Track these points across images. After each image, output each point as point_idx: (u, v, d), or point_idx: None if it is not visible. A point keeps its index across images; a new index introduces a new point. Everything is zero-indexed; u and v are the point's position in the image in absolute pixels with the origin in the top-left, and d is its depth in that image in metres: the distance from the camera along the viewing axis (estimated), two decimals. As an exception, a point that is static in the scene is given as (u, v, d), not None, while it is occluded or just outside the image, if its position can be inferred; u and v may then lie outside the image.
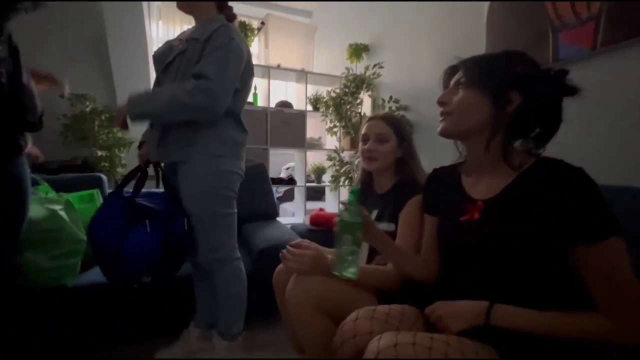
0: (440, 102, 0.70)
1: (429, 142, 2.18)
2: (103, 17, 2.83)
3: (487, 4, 1.66)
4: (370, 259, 1.01)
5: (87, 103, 2.81)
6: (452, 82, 0.71)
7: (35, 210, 1.06)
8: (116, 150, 2.90)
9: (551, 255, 0.57)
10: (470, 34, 1.79)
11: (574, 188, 0.53)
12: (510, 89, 0.62)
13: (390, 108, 2.31)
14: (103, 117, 2.89)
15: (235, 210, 1.15)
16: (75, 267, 1.18)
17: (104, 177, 1.76)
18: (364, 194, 1.10)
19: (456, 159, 0.79)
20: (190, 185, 1.07)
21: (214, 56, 1.00)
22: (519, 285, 0.59)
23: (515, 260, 0.59)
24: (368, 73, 2.50)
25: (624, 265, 0.52)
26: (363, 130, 1.07)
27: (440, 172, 0.84)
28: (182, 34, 1.19)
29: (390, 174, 1.04)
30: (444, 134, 0.71)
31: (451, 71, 0.74)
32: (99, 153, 2.76)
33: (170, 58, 1.09)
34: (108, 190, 1.78)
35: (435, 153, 2.14)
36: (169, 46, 1.15)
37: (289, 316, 0.89)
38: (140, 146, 1.25)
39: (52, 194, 1.24)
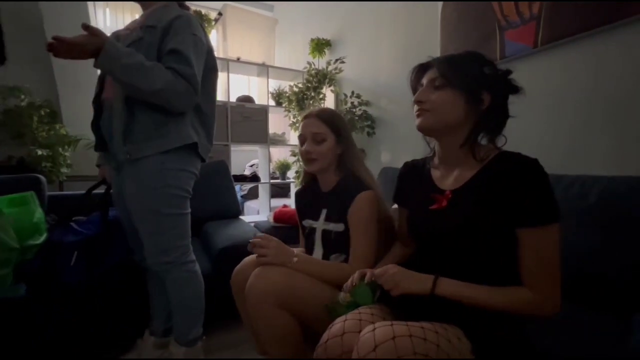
0: (418, 101, 0.72)
1: (390, 137, 2.23)
2: (38, 4, 2.55)
3: (440, 4, 1.72)
4: (325, 258, 1.00)
5: (23, 97, 2.53)
6: (425, 81, 0.73)
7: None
8: (59, 149, 2.65)
9: (505, 237, 0.63)
10: (426, 32, 1.85)
11: (527, 177, 0.60)
12: (482, 89, 0.68)
13: (352, 103, 2.33)
14: (42, 112, 2.62)
15: (188, 211, 1.07)
16: (5, 279, 1.05)
17: (42, 178, 1.59)
18: (310, 193, 1.09)
19: (427, 154, 0.84)
20: (137, 183, 0.98)
21: (182, 46, 0.94)
22: (477, 263, 0.65)
23: (476, 241, 0.64)
24: (330, 68, 2.49)
25: (556, 248, 0.60)
26: (300, 131, 1.03)
27: (411, 165, 0.88)
28: (131, 23, 1.10)
29: (332, 172, 1.03)
30: (422, 129, 0.73)
31: (420, 69, 0.77)
32: (39, 152, 2.50)
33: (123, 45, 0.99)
34: (48, 193, 1.61)
35: (395, 147, 2.19)
36: (115, 37, 1.05)
37: (249, 314, 0.87)
38: (98, 165, 1.22)
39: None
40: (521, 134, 1.25)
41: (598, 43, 1.16)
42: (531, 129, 1.35)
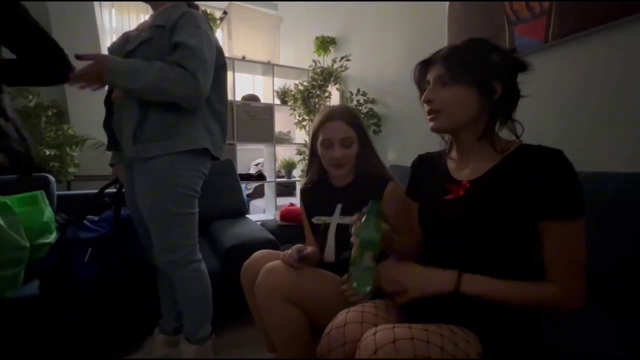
0: (427, 101, 0.69)
1: (396, 135, 2.21)
2: (46, 5, 2.56)
3: (448, -3, 1.70)
4: (338, 253, 0.99)
5: (31, 97, 2.56)
6: (431, 78, 0.70)
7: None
8: (67, 149, 2.68)
9: (526, 228, 0.61)
10: (433, 28, 1.83)
11: (554, 169, 0.58)
12: (492, 79, 0.65)
13: (358, 101, 2.31)
14: (50, 113, 2.65)
15: (196, 210, 1.07)
16: (17, 278, 1.06)
17: (51, 177, 1.60)
18: (320, 190, 1.07)
19: (440, 144, 0.82)
20: (147, 182, 0.99)
21: (183, 37, 0.94)
22: (494, 256, 0.63)
23: (493, 232, 0.62)
24: (335, 66, 2.48)
25: (581, 242, 0.58)
26: (324, 134, 0.97)
27: (425, 158, 0.86)
28: (141, 24, 1.11)
29: (350, 169, 1.01)
30: (437, 131, 0.71)
31: (423, 67, 0.74)
32: (47, 152, 2.52)
33: (131, 46, 1.00)
34: (57, 192, 1.63)
35: (402, 145, 2.18)
36: (126, 37, 1.06)
37: (259, 309, 0.87)
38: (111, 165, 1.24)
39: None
40: (534, 129, 1.23)
41: (610, 38, 1.13)
42: (543, 124, 1.32)
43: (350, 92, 2.37)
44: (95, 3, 2.78)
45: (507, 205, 0.61)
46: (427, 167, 0.83)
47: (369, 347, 0.54)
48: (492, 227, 0.62)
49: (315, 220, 1.05)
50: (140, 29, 1.06)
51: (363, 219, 0.68)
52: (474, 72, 0.65)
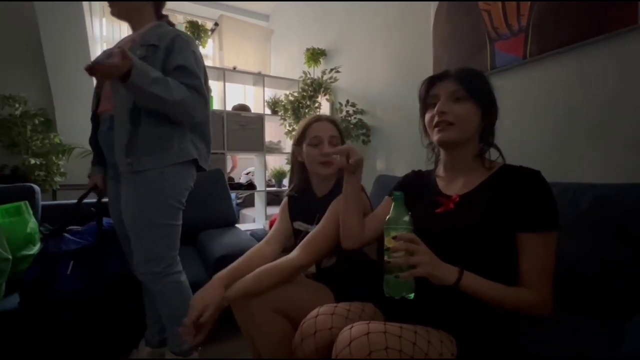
0: (442, 112, 0.73)
1: (385, 145, 2.25)
2: (35, 11, 2.56)
3: (433, 13, 1.76)
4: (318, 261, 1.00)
5: (17, 105, 2.52)
6: (442, 92, 0.74)
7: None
8: (53, 158, 2.64)
9: (507, 241, 0.66)
10: (419, 44, 1.89)
11: (533, 186, 0.65)
12: (492, 105, 0.74)
13: (347, 112, 2.35)
14: (37, 121, 2.61)
15: (180, 222, 1.09)
16: (-2, 291, 1.04)
17: (36, 187, 1.58)
18: (304, 198, 1.08)
19: (426, 160, 0.87)
20: (136, 194, 1.00)
21: (187, 63, 1.01)
22: (482, 264, 0.66)
23: (481, 244, 0.66)
24: (325, 77, 2.53)
25: (554, 254, 0.64)
26: (312, 133, 0.99)
27: (418, 174, 0.91)
28: (122, 41, 1.13)
29: (332, 177, 1.03)
30: (447, 142, 0.74)
31: (430, 82, 0.78)
32: (32, 161, 2.48)
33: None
34: (42, 202, 1.60)
35: (390, 155, 2.22)
36: (108, 55, 1.06)
37: (245, 319, 0.86)
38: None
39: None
40: (511, 141, 1.29)
41: (583, 55, 1.20)
42: (521, 137, 1.37)
43: (340, 103, 2.41)
44: (86, 13, 2.78)
45: (493, 218, 0.66)
46: (419, 181, 0.87)
47: (344, 339, 0.57)
48: (480, 237, 0.66)
49: (296, 225, 1.07)
50: (124, 45, 1.05)
51: (391, 212, 0.68)
52: (483, 95, 0.72)
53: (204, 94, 1.03)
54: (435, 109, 0.73)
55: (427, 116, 0.77)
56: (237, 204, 3.60)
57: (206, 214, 1.91)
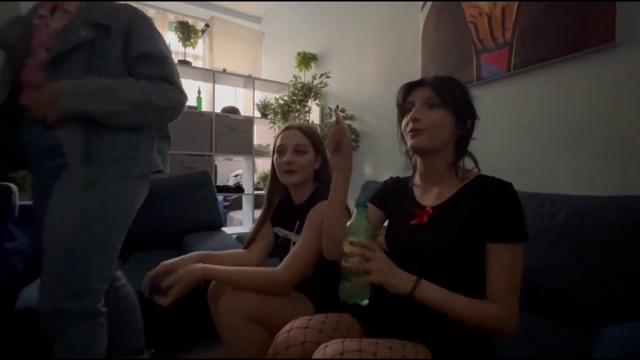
0: (414, 119, 0.73)
1: (373, 151, 2.28)
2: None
3: (421, 24, 1.79)
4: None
5: None
6: (417, 99, 0.74)
7: None
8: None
9: (478, 253, 0.66)
10: (408, 51, 1.92)
11: (503, 198, 0.66)
12: (467, 114, 0.73)
13: (336, 117, 2.36)
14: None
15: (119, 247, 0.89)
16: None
17: (12, 186, 1.53)
18: (284, 205, 1.08)
19: (405, 168, 0.86)
20: (84, 208, 0.80)
21: (153, 48, 0.86)
22: (451, 278, 0.66)
23: (453, 256, 0.67)
24: (315, 82, 2.54)
25: (521, 266, 0.64)
26: (278, 142, 1.01)
27: (396, 180, 0.90)
28: (43, 9, 0.86)
29: (308, 185, 1.03)
30: (419, 148, 0.74)
31: (408, 88, 0.78)
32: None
33: (61, 48, 0.79)
34: (19, 203, 1.55)
35: (378, 161, 2.24)
36: (26, 26, 0.85)
37: (224, 329, 0.86)
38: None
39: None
40: (493, 151, 1.32)
41: (564, 69, 1.24)
42: (503, 148, 1.41)
43: (330, 108, 2.43)
44: None
45: (465, 231, 0.66)
46: (397, 188, 0.87)
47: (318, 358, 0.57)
48: (452, 253, 0.66)
49: (276, 230, 1.07)
50: (56, 21, 0.84)
51: (352, 219, 0.68)
52: (458, 102, 0.72)
53: (178, 83, 0.89)
54: (409, 116, 0.74)
55: (403, 122, 0.77)
56: (225, 207, 3.57)
57: (192, 216, 1.89)
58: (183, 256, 0.97)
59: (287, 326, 0.71)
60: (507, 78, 1.41)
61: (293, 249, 0.91)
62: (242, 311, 0.81)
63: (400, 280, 0.62)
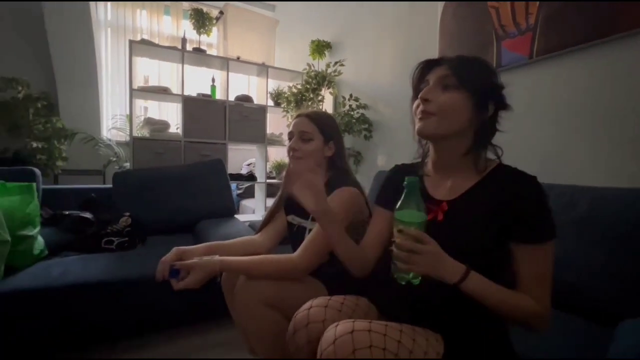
0: (424, 99, 0.65)
1: (387, 141, 2.25)
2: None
3: (440, 10, 1.74)
4: None
5: (20, 88, 2.52)
6: (432, 78, 0.67)
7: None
8: (55, 142, 2.65)
9: (500, 253, 0.62)
10: (425, 38, 1.87)
11: (529, 195, 0.60)
12: (489, 97, 0.65)
13: (350, 106, 2.34)
14: (39, 105, 2.62)
15: None
16: (-4, 271, 1.05)
17: (37, 170, 1.59)
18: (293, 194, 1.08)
19: (416, 155, 0.79)
20: None
21: None
22: None
23: (473, 257, 0.62)
24: (329, 70, 2.51)
25: (552, 264, 0.61)
26: (290, 129, 1.04)
27: (402, 169, 0.83)
28: None
29: (321, 173, 1.01)
30: (425, 134, 0.67)
31: (425, 66, 0.70)
32: (34, 144, 2.49)
33: None
34: (42, 186, 1.61)
35: (392, 151, 2.21)
36: None
37: (238, 313, 0.87)
38: None
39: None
40: (514, 141, 1.27)
41: (590, 56, 1.18)
42: (524, 137, 1.36)
43: (343, 97, 2.40)
44: (91, -4, 2.76)
45: (485, 230, 0.62)
46: (402, 180, 0.81)
47: (329, 338, 0.57)
48: (471, 253, 0.62)
49: (290, 219, 1.07)
50: None
51: (401, 200, 0.61)
52: (477, 83, 0.64)
53: None
54: (419, 95, 0.66)
55: (415, 104, 0.69)
56: (238, 195, 3.61)
57: (205, 203, 1.92)
58: (194, 246, 0.97)
59: (307, 304, 0.70)
60: (528, 65, 1.36)
61: (309, 236, 0.91)
62: (257, 296, 0.82)
63: (448, 271, 0.58)
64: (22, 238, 1.15)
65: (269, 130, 2.77)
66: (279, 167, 2.94)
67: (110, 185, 1.84)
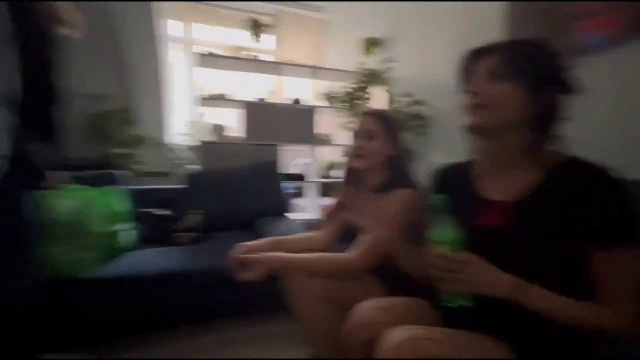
0: (473, 93, 0.61)
1: (443, 138, 2.14)
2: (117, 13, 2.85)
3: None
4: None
5: (106, 102, 2.91)
6: (481, 69, 0.62)
7: (60, 205, 1.12)
8: (133, 148, 2.99)
9: (576, 261, 0.55)
10: (490, 22, 1.73)
11: (608, 194, 0.53)
12: (547, 85, 0.59)
13: (403, 102, 2.27)
14: (120, 116, 2.98)
15: None
16: (96, 260, 1.22)
17: (116, 173, 1.82)
18: (359, 191, 1.07)
19: (469, 152, 0.74)
20: None
21: None
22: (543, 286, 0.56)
23: (544, 267, 0.56)
24: (381, 67, 2.47)
25: (637, 269, 0.53)
26: (354, 128, 1.05)
27: (447, 170, 0.78)
28: None
29: (381, 172, 1.01)
30: (476, 129, 0.63)
31: (473, 56, 0.66)
32: (117, 151, 2.85)
33: None
34: (123, 187, 1.82)
35: (450, 149, 2.10)
36: None
37: (296, 305, 0.90)
38: None
39: (77, 190, 1.29)
40: (596, 130, 1.13)
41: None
42: (606, 132, 1.20)
43: (395, 94, 2.34)
44: (157, 11, 3.05)
45: (561, 236, 0.55)
46: (450, 180, 0.75)
47: (388, 342, 0.55)
48: (543, 262, 0.56)
49: (348, 217, 1.07)
50: None
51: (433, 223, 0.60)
52: (533, 70, 0.58)
53: None
54: (467, 88, 0.63)
55: (463, 98, 0.65)
56: (290, 194, 3.72)
57: (260, 202, 2.02)
58: (257, 241, 1.03)
59: (362, 304, 0.70)
60: (616, 47, 1.19)
61: (367, 236, 0.91)
62: (315, 292, 0.84)
63: (495, 286, 0.54)
64: (114, 233, 1.32)
65: (319, 131, 2.82)
66: (330, 166, 2.97)
67: (179, 186, 2.03)
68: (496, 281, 0.54)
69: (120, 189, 1.50)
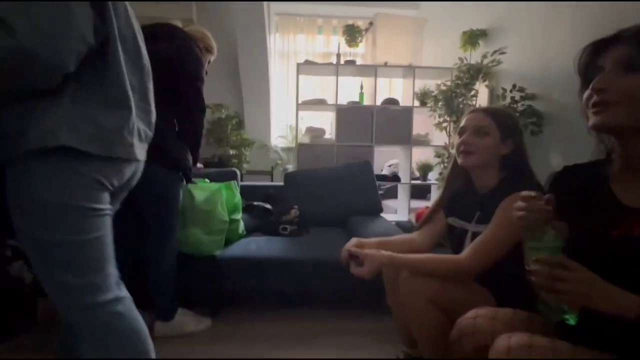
0: (599, 89, 0.55)
1: (563, 136, 1.86)
2: (236, 36, 3.28)
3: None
4: None
5: (223, 110, 3.43)
6: (608, 62, 0.56)
7: (197, 195, 1.39)
8: (243, 149, 3.45)
9: None
10: (618, 6, 1.44)
11: None
12: None
13: (512, 98, 2.05)
14: (234, 122, 3.47)
15: (96, 235, 0.69)
16: (221, 242, 1.47)
17: (237, 171, 2.11)
18: (464, 193, 1.03)
19: (593, 153, 0.67)
20: (19, 195, 0.66)
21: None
22: None
23: None
24: (486, 61, 2.27)
25: None
26: (461, 124, 0.98)
27: (575, 171, 0.71)
28: None
29: (493, 172, 0.94)
30: (603, 128, 0.57)
31: (595, 49, 0.60)
32: (231, 152, 3.33)
33: None
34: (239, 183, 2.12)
35: (570, 148, 1.81)
36: None
37: (401, 306, 0.91)
38: None
39: (208, 184, 1.57)
40: None
41: None
42: None
43: (503, 89, 2.12)
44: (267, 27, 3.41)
45: None
46: (579, 183, 0.67)
47: (502, 348, 0.54)
48: None
49: (450, 221, 1.04)
50: None
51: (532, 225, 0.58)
52: None
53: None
54: (591, 85, 0.55)
55: (585, 94, 0.58)
56: (380, 195, 3.73)
57: (354, 201, 2.09)
58: (368, 239, 1.05)
59: (472, 312, 0.69)
60: None
61: (480, 238, 0.87)
62: (421, 291, 0.84)
63: (617, 305, 0.48)
64: (233, 221, 1.56)
65: (414, 132, 2.75)
66: (424, 168, 2.87)
67: (280, 183, 2.26)
68: (616, 299, 0.49)
69: (236, 184, 1.76)
